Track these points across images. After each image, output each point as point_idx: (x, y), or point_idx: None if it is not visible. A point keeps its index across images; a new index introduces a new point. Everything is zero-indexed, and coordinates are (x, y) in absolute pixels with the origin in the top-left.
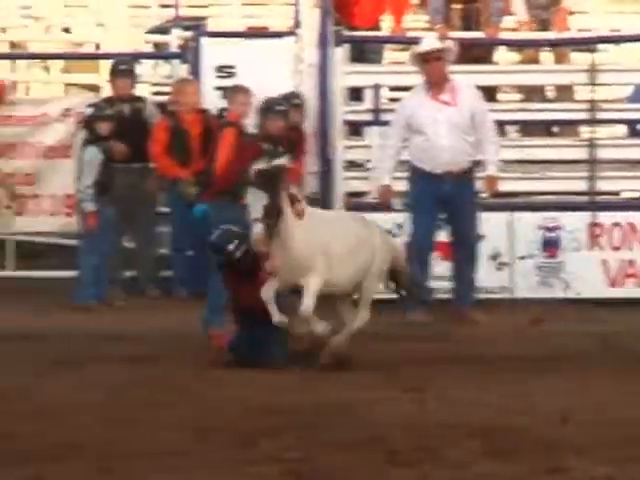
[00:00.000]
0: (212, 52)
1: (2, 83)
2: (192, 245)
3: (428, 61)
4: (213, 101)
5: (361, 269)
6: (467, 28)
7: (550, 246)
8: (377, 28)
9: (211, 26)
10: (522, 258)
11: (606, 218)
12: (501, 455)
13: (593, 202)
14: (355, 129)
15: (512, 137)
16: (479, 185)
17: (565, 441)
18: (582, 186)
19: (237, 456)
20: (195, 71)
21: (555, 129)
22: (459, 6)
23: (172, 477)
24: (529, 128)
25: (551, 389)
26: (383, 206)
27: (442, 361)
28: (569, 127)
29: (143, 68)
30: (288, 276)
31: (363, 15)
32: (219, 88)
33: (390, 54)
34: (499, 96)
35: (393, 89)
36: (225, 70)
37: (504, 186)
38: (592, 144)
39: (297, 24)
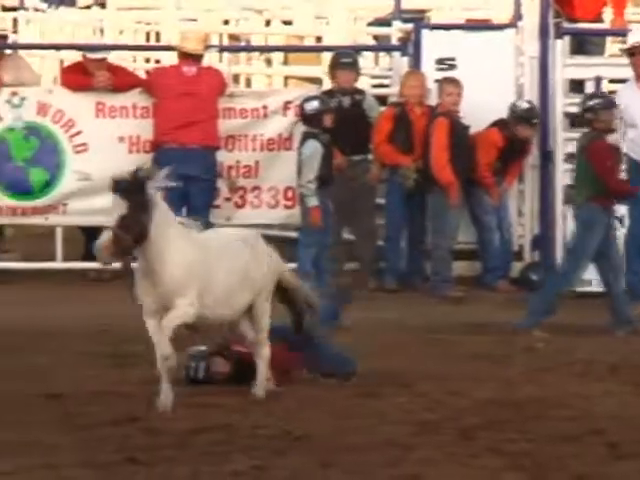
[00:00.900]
0: (433, 44)
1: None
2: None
3: (634, 54)
4: (434, 93)
5: (245, 303)
6: None
7: None
8: (599, 20)
9: (432, 18)
10: None
11: None
12: None
13: None
14: (575, 121)
15: None
16: None
17: None
18: None
19: (459, 449)
20: (416, 64)
21: None
22: None
23: (395, 471)
24: None
25: None
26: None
27: None
28: None
29: (364, 61)
30: (157, 303)
31: (584, 7)
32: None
33: (611, 46)
34: None
35: (613, 81)
36: (446, 62)
37: None
38: None
39: (518, 16)
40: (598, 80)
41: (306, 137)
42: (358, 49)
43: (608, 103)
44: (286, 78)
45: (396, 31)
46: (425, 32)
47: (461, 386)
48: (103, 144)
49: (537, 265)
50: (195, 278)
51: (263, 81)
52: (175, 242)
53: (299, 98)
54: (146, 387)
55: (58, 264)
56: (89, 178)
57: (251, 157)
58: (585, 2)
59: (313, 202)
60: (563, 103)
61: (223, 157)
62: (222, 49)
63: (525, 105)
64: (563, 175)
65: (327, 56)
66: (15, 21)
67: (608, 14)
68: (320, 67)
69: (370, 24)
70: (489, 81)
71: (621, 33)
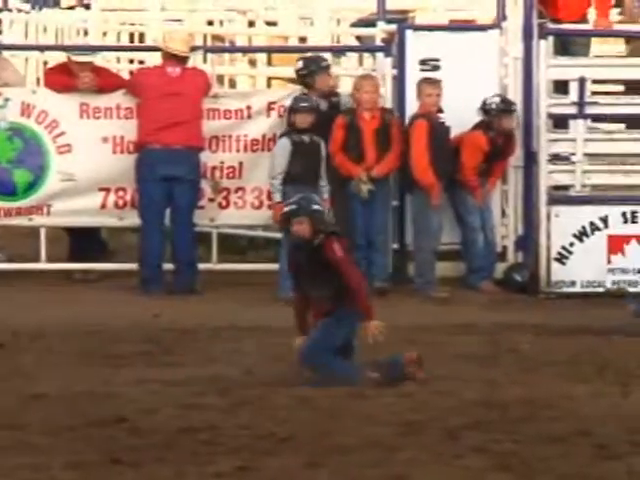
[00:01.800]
0: (416, 45)
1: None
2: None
3: None
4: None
5: None
6: None
7: None
8: (583, 21)
9: (415, 19)
10: None
11: None
12: None
13: None
14: (560, 122)
15: None
16: None
17: None
18: None
19: (445, 449)
20: (399, 64)
21: None
22: None
23: (381, 472)
24: None
25: None
26: None
27: None
28: None
29: (348, 62)
30: None
31: (568, 8)
32: None
33: (598, 47)
34: None
35: (597, 82)
36: (429, 63)
37: None
38: None
39: (502, 17)
40: (582, 81)
41: (280, 136)
42: (342, 50)
43: None
44: (270, 79)
45: (380, 32)
46: (409, 33)
47: (447, 386)
48: (87, 145)
49: (521, 266)
50: None
51: (247, 82)
52: None
53: (283, 99)
54: (132, 388)
55: (42, 265)
56: (73, 179)
57: (235, 158)
58: (569, 3)
59: (276, 198)
60: (547, 104)
61: (207, 158)
62: (206, 50)
63: (497, 98)
64: (547, 176)
65: None
66: None
67: (592, 15)
68: None
69: (353, 25)
70: (473, 82)
71: (605, 34)
